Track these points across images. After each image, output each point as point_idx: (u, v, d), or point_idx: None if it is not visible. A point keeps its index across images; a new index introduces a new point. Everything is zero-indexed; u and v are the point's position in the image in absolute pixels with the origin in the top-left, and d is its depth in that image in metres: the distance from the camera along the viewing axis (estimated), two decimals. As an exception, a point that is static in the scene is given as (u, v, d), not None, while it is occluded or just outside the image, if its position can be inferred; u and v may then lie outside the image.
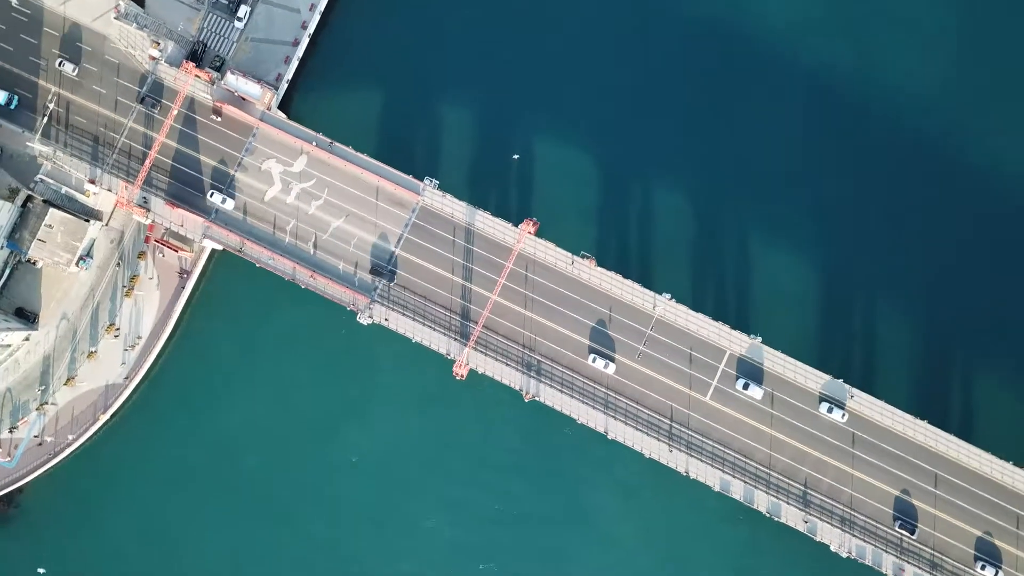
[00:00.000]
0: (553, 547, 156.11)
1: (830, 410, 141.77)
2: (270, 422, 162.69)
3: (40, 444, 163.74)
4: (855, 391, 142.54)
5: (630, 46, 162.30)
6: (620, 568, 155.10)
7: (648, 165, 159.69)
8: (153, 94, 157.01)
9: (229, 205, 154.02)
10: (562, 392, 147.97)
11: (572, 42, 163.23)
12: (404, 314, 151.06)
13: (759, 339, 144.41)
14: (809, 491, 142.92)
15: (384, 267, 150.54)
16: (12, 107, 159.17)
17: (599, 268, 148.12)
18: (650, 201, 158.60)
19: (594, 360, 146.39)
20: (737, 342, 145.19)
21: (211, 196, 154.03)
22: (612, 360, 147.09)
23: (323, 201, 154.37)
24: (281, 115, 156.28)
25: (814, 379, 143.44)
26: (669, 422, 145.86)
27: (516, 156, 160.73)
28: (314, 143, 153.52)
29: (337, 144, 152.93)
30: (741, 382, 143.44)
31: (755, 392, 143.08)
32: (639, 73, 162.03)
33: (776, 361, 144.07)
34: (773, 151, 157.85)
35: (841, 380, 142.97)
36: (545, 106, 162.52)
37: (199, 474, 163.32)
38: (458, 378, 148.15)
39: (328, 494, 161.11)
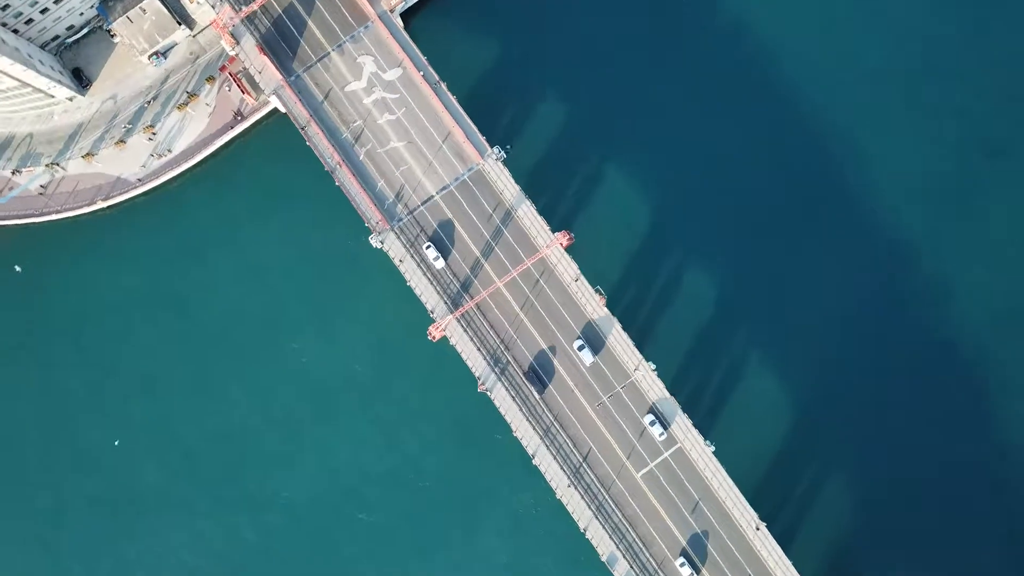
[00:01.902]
0: (431, 532, 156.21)
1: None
2: (241, 292, 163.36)
3: (40, 194, 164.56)
4: (773, 546, 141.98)
5: (746, 136, 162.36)
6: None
7: (699, 243, 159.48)
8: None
9: (440, 264, 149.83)
10: (514, 400, 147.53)
11: (699, 104, 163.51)
12: (412, 256, 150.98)
13: (712, 448, 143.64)
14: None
15: (540, 376, 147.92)
16: None
17: (606, 309, 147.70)
18: (682, 275, 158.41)
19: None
20: (692, 441, 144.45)
21: (426, 248, 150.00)
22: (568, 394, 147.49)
23: (396, 118, 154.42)
24: (399, 22, 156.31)
25: (741, 511, 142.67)
26: (592, 475, 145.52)
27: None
28: (422, 73, 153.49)
29: (442, 85, 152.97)
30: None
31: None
32: (737, 166, 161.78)
33: (715, 477, 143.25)
34: (816, 287, 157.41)
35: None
36: (641, 140, 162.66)
37: (152, 302, 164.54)
38: (429, 338, 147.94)
39: (263, 379, 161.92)
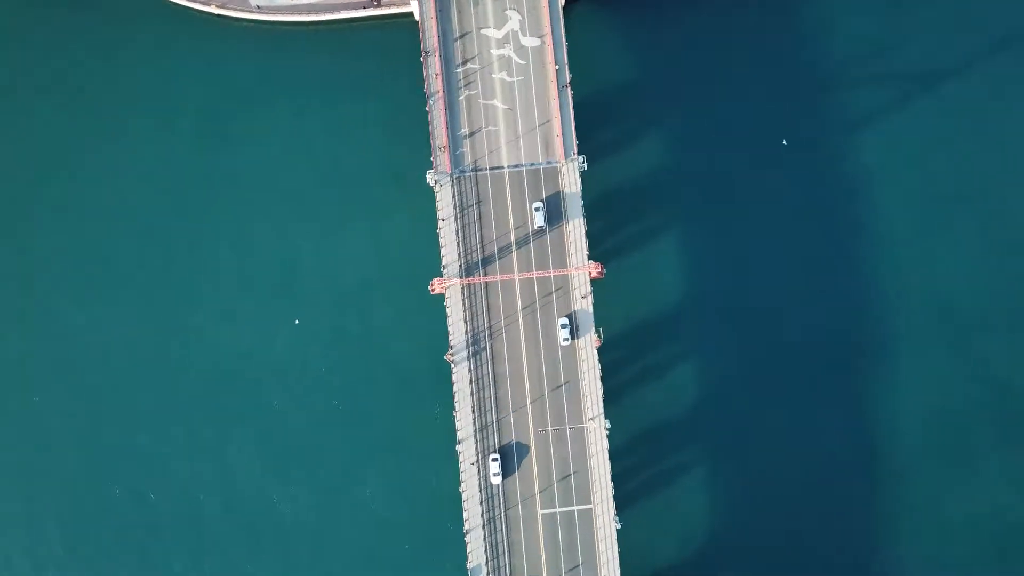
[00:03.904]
0: (319, 448, 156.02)
1: None
2: (282, 157, 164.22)
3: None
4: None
5: (822, 290, 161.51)
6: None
7: (713, 347, 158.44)
8: None
9: (496, 480, 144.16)
10: (469, 385, 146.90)
11: (793, 228, 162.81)
12: (456, 212, 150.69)
13: (619, 525, 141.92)
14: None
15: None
16: None
17: (595, 351, 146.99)
18: (679, 362, 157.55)
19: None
20: (603, 508, 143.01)
21: (493, 458, 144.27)
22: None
23: (510, 82, 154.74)
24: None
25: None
26: (501, 502, 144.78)
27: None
28: (556, 66, 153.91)
29: (568, 89, 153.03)
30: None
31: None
32: (793, 306, 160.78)
33: (606, 552, 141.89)
34: (800, 444, 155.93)
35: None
36: (719, 228, 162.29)
37: (195, 124, 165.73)
38: (429, 289, 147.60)
39: (255, 239, 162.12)
